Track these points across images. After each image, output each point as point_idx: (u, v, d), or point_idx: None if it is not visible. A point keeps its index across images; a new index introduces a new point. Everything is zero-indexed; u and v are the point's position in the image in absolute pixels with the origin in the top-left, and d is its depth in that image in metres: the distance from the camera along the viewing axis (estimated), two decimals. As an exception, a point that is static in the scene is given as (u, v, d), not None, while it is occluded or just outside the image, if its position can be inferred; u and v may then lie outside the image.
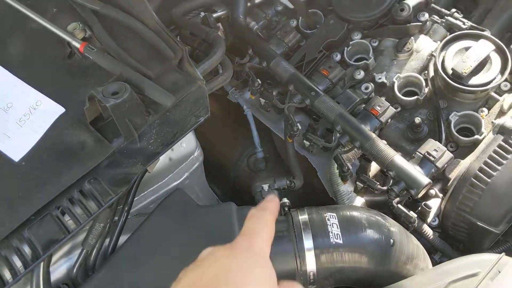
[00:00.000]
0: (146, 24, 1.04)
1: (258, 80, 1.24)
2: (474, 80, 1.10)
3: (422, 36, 1.26)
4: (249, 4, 1.37)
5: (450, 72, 1.12)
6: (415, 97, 1.16)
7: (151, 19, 1.03)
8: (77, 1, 1.06)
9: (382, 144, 1.05)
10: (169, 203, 0.99)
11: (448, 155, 1.05)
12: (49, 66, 1.03)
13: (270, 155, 1.47)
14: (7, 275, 0.83)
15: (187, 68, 0.99)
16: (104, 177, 0.88)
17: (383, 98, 1.16)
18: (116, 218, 0.99)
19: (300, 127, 1.16)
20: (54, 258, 0.96)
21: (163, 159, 1.10)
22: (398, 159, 1.03)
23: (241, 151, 1.49)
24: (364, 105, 1.17)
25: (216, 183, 1.57)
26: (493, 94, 1.13)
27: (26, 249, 0.84)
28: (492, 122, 1.08)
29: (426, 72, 1.20)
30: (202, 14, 1.34)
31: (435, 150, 1.05)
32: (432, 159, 1.03)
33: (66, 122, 0.94)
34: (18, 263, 0.84)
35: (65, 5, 1.08)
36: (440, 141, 1.10)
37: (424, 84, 1.17)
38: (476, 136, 1.08)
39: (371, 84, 1.20)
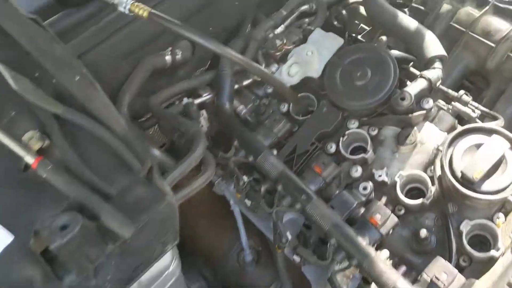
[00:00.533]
0: (112, 130, 0.93)
1: (244, 177, 1.11)
2: (487, 185, 0.96)
3: (427, 124, 1.13)
4: (237, 86, 1.26)
5: (459, 175, 0.98)
6: (420, 200, 1.02)
7: (118, 124, 0.92)
8: (37, 104, 0.96)
9: (382, 265, 0.91)
10: None
11: (459, 280, 0.90)
12: (1, 181, 0.91)
13: (262, 248, 1.33)
14: None
15: (155, 181, 0.87)
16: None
17: (383, 201, 1.03)
18: None
19: (290, 237, 1.03)
20: None
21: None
22: (401, 285, 0.88)
23: (230, 243, 1.36)
24: (362, 209, 1.03)
25: (206, 270, 1.44)
26: (510, 198, 0.99)
27: None
28: (510, 237, 0.93)
29: (432, 168, 1.06)
30: (185, 100, 1.23)
31: (444, 272, 0.90)
32: (441, 285, 0.88)
33: (14, 252, 0.82)
34: None
35: (24, 108, 0.97)
36: (450, 255, 0.95)
37: (430, 183, 1.04)
38: (492, 253, 0.93)
39: (370, 183, 1.06)
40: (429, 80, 1.11)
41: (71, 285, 0.79)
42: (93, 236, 0.78)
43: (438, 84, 1.14)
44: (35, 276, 0.79)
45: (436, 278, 0.89)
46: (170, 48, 1.28)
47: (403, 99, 1.09)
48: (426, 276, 0.91)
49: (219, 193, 1.27)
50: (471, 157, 0.98)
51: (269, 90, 1.29)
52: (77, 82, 0.95)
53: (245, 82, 1.29)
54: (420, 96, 1.12)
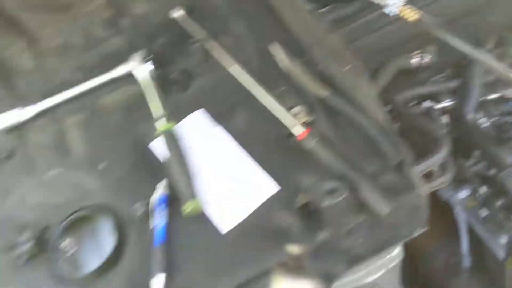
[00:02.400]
0: (371, 119, 1.01)
1: (483, 188, 1.11)
2: None
3: None
4: (482, 98, 1.25)
5: None
6: None
7: (377, 115, 0.99)
8: (304, 85, 1.08)
9: None
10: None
11: None
12: (269, 142, 1.04)
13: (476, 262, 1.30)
14: None
15: (406, 171, 0.93)
16: (304, 269, 0.87)
17: None
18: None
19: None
20: None
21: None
22: None
23: (440, 245, 1.35)
24: None
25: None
26: None
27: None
28: None
29: None
30: (427, 103, 1.27)
31: None
32: None
33: (277, 201, 0.95)
34: None
35: (293, 86, 1.10)
36: None
37: None
38: None
39: None
40: None
41: (324, 240, 0.89)
42: (351, 204, 0.87)
43: None
44: (293, 225, 0.91)
45: None
46: (418, 51, 1.32)
47: None
48: None
49: (443, 197, 1.28)
50: None
51: (515, 106, 1.25)
52: (347, 71, 1.06)
53: (491, 96, 1.26)
54: None
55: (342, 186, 0.85)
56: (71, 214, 0.98)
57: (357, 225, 0.88)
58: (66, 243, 0.95)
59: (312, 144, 0.97)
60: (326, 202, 0.83)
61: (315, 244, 0.88)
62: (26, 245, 0.95)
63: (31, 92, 1.22)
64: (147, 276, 0.88)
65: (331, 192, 0.85)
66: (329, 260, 0.88)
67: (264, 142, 1.05)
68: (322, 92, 1.05)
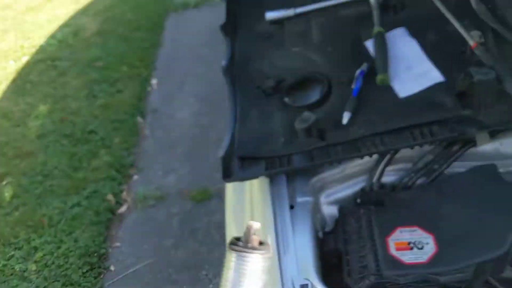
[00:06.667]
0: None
1: None
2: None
3: None
4: None
5: None
6: None
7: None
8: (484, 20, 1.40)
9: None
10: (479, 170, 1.22)
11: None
12: (447, 53, 1.38)
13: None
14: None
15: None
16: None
17: None
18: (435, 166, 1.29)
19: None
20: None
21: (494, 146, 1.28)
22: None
23: None
24: None
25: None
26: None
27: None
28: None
29: None
30: None
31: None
32: None
33: (440, 88, 1.30)
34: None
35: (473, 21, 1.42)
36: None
37: None
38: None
39: None
40: None
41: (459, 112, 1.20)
42: (494, 89, 1.19)
43: None
44: (448, 102, 1.24)
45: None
46: None
47: None
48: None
49: None
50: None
51: None
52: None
53: None
54: None
55: (491, 73, 1.17)
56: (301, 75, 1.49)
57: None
58: (294, 90, 1.46)
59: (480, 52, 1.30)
60: (478, 77, 1.15)
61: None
62: (269, 84, 1.49)
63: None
64: (341, 113, 1.29)
65: (484, 73, 1.16)
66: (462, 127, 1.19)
67: (444, 53, 1.39)
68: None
